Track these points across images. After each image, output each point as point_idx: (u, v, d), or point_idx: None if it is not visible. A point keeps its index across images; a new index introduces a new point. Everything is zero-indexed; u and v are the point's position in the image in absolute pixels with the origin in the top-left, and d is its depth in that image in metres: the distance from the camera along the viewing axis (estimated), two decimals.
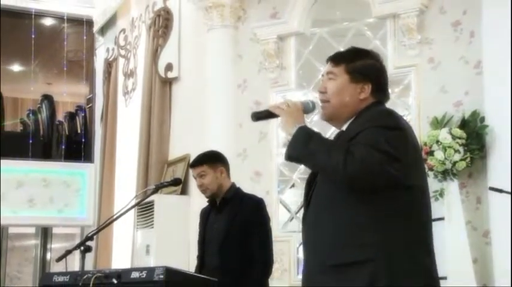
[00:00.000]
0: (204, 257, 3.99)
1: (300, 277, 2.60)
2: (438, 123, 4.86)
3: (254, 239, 3.80)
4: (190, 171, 4.20)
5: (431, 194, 4.84)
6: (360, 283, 2.14)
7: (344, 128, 2.35)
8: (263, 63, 6.13)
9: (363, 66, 2.36)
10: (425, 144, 4.77)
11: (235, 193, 3.98)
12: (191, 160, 4.30)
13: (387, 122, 2.23)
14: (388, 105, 6.23)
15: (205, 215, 4.07)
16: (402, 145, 2.20)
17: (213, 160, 3.99)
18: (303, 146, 2.23)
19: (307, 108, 2.41)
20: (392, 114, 2.29)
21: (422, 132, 5.07)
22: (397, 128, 2.23)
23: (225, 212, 3.92)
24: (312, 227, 2.30)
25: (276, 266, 5.44)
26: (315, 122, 5.23)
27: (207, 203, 4.08)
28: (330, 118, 2.38)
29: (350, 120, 2.34)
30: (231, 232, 3.83)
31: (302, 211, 2.48)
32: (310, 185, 2.38)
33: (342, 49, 5.85)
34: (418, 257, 2.21)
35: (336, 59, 2.40)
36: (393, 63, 5.44)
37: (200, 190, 4.01)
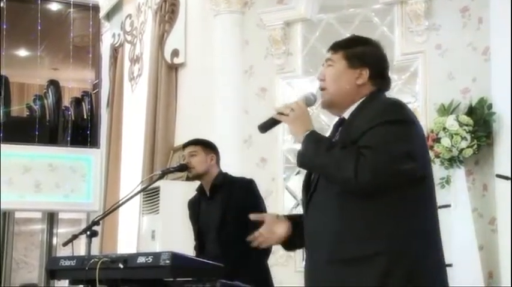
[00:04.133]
0: (203, 246, 3.96)
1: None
2: (445, 110, 4.84)
3: (250, 220, 3.79)
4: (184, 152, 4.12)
5: (437, 181, 4.85)
6: (371, 278, 2.10)
7: (346, 115, 2.31)
8: (269, 49, 6.11)
9: (361, 52, 2.34)
10: (432, 131, 4.75)
11: (224, 178, 3.98)
12: None
13: (394, 115, 2.17)
14: (395, 92, 6.16)
15: (195, 205, 4.06)
16: (410, 138, 2.17)
17: (207, 145, 4.02)
18: (313, 157, 2.20)
19: (309, 102, 2.39)
20: (397, 106, 2.23)
21: (429, 119, 5.06)
22: (404, 121, 2.18)
23: (217, 199, 3.92)
24: (317, 222, 2.24)
25: (280, 253, 5.45)
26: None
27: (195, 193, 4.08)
28: (329, 105, 2.36)
29: (352, 108, 2.30)
30: (226, 217, 3.83)
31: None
32: (310, 176, 2.35)
33: (348, 35, 5.86)
34: (429, 250, 2.17)
35: (335, 46, 2.40)
36: (400, 50, 5.41)
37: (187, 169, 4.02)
